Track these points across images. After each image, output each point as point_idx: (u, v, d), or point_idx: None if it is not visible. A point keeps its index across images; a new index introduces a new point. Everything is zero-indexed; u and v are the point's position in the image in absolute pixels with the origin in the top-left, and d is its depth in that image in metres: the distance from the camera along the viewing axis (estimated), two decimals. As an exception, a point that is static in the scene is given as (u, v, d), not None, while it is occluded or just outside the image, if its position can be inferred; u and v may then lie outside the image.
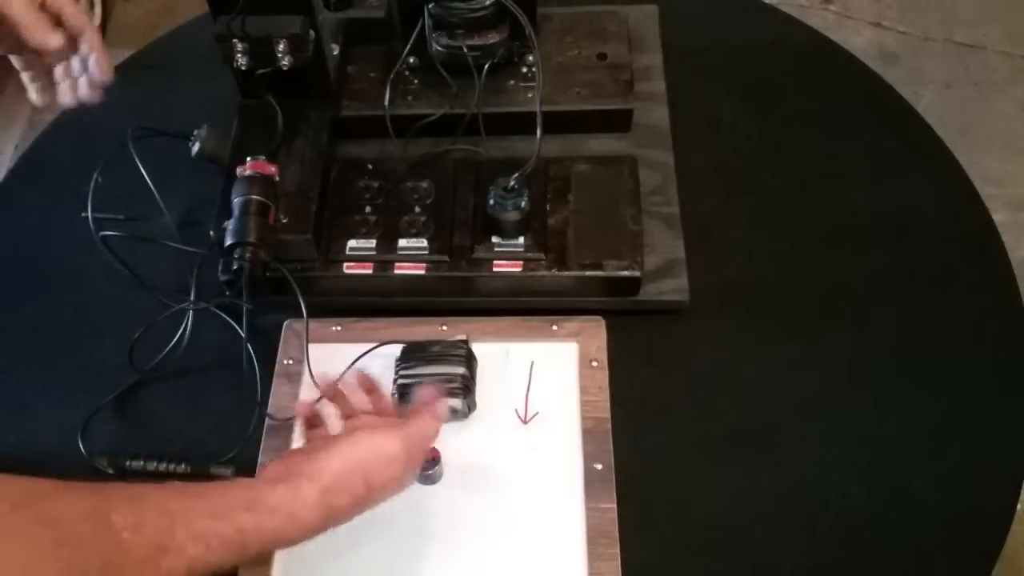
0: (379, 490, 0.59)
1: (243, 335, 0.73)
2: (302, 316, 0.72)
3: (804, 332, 0.76)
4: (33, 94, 0.76)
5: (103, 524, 0.47)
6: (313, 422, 0.65)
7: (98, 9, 1.95)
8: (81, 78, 0.74)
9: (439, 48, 0.80)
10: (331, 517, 0.56)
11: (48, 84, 0.76)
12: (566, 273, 0.74)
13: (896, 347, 0.75)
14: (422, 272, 0.75)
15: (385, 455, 0.59)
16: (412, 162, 0.81)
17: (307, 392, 0.72)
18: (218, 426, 0.73)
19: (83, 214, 0.74)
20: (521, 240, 0.75)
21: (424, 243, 0.76)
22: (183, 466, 0.70)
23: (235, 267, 0.71)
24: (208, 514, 0.51)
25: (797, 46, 0.96)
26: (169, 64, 0.99)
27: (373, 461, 0.58)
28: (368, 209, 0.78)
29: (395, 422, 0.62)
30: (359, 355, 0.72)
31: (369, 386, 0.69)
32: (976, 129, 1.78)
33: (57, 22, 0.70)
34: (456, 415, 0.69)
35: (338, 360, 0.72)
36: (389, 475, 0.59)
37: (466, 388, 0.69)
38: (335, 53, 0.83)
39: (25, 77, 0.76)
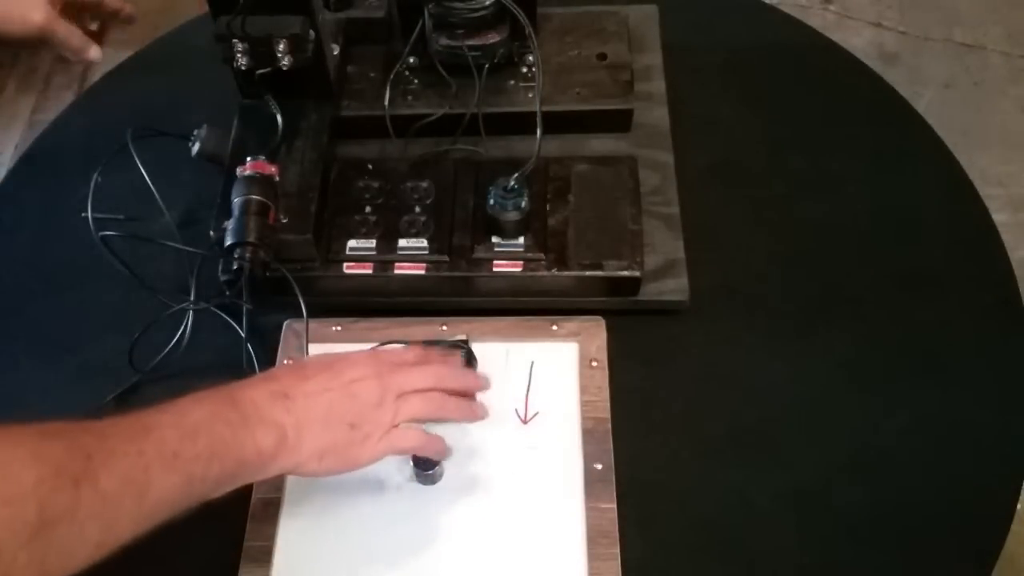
0: (342, 368, 0.61)
1: (243, 335, 0.73)
2: (302, 316, 0.72)
3: (804, 332, 0.76)
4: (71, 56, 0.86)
5: (82, 423, 0.49)
6: None
7: None
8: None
9: (439, 48, 0.80)
10: (288, 396, 0.58)
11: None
12: (566, 273, 0.74)
13: (896, 347, 0.75)
14: (422, 272, 0.75)
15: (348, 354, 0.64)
16: (412, 162, 0.81)
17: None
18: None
19: (83, 214, 0.74)
20: (521, 240, 0.75)
21: (424, 243, 0.76)
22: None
23: (235, 267, 0.71)
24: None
25: (797, 46, 0.96)
26: (169, 64, 0.99)
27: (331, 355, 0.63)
28: (368, 209, 0.78)
29: None
30: (359, 355, 0.72)
31: None
32: (976, 129, 1.78)
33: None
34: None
35: (338, 360, 0.72)
36: (350, 360, 0.62)
37: (466, 388, 0.69)
38: (335, 53, 0.83)
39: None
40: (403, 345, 0.71)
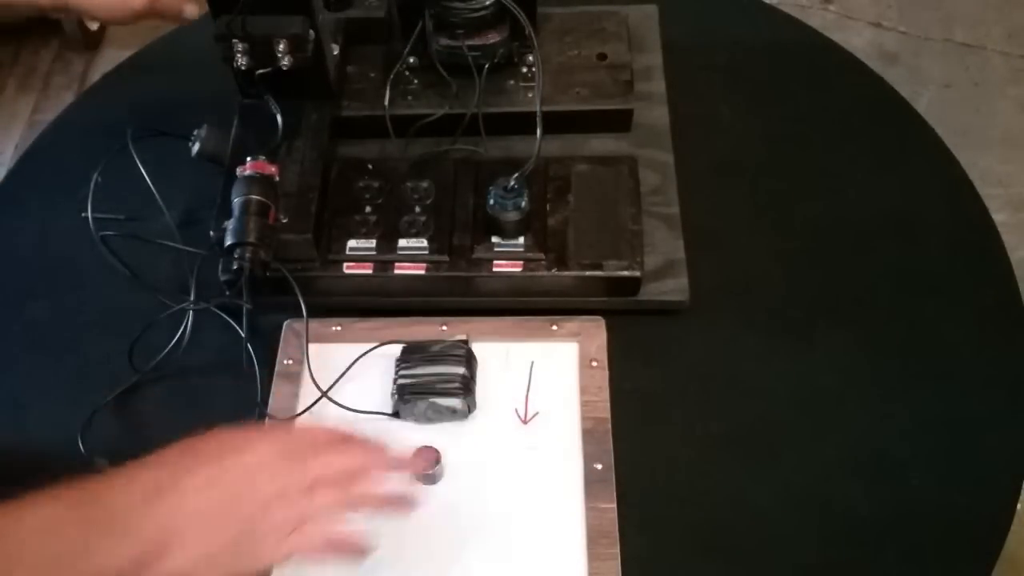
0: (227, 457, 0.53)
1: (243, 335, 0.73)
2: (302, 316, 0.72)
3: (804, 332, 0.76)
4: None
5: None
6: None
7: None
8: None
9: (439, 48, 0.80)
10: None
11: None
12: (566, 273, 0.74)
13: (896, 347, 0.75)
14: (422, 272, 0.75)
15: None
16: (412, 162, 0.81)
17: (307, 392, 0.72)
18: (218, 426, 0.72)
19: (83, 214, 0.74)
20: (521, 240, 0.75)
21: (424, 243, 0.76)
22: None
23: (235, 267, 0.71)
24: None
25: (797, 46, 0.96)
26: (169, 64, 0.99)
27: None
28: (368, 209, 0.78)
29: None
30: (359, 355, 0.72)
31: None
32: (976, 129, 1.78)
33: None
34: (456, 415, 0.69)
35: (338, 360, 0.72)
36: (254, 441, 0.54)
37: (466, 388, 0.69)
38: (335, 53, 0.83)
39: None
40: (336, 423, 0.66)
